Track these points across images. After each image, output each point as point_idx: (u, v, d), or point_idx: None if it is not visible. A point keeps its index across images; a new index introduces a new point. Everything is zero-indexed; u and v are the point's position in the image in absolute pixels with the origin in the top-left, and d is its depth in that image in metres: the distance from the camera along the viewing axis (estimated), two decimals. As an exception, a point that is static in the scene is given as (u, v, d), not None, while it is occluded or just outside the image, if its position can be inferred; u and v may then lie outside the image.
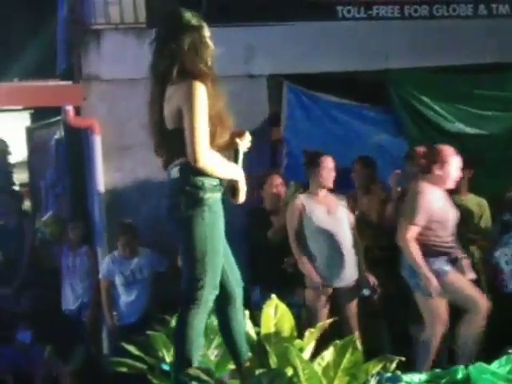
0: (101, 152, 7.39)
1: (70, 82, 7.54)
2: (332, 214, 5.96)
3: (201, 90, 3.58)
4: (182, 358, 3.57)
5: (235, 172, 3.76)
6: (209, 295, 3.60)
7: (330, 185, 6.04)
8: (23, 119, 9.01)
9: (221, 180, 3.71)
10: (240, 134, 3.86)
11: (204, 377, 3.29)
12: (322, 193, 6.03)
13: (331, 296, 5.88)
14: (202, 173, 3.60)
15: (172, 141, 3.68)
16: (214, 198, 3.65)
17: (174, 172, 3.67)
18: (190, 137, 3.55)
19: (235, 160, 3.81)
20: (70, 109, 7.39)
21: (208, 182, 3.62)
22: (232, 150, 3.81)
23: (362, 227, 6.21)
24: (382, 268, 6.28)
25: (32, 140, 8.98)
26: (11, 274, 7.96)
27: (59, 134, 8.13)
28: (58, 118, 7.89)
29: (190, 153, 3.55)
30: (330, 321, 3.14)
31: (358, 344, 2.86)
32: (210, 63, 3.73)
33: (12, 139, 9.20)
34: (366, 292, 5.96)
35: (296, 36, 7.64)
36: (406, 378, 4.11)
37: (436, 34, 7.75)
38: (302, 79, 7.60)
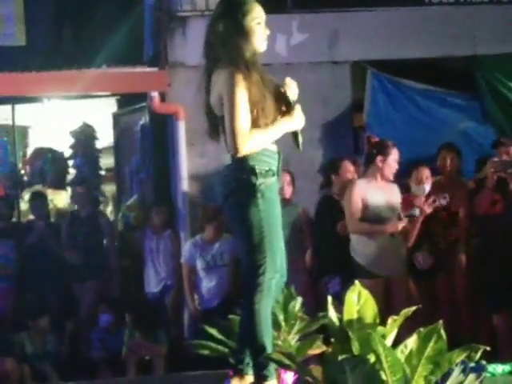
0: (185, 138, 7.49)
1: (155, 69, 7.66)
2: (390, 203, 5.89)
3: (236, 79, 3.51)
4: (256, 348, 3.58)
5: (283, 129, 3.65)
6: (271, 279, 3.59)
7: (392, 177, 5.94)
8: (110, 105, 9.17)
9: (278, 165, 3.67)
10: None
11: (286, 361, 3.30)
12: (383, 181, 5.94)
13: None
14: (253, 158, 3.56)
15: (223, 127, 3.64)
16: (266, 183, 3.59)
17: (227, 158, 3.64)
18: (228, 129, 3.53)
19: (287, 105, 3.71)
20: (155, 95, 7.52)
21: (260, 168, 3.58)
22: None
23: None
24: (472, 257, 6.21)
25: (118, 126, 9.13)
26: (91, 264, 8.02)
27: (144, 119, 8.26)
28: (144, 104, 8.01)
29: (229, 145, 3.54)
30: (414, 308, 3.12)
31: (443, 332, 2.83)
32: (252, 50, 3.62)
33: (99, 125, 9.39)
34: (414, 212, 5.83)
35: (381, 22, 7.57)
36: (490, 368, 4.06)
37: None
38: (386, 65, 7.53)
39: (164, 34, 7.58)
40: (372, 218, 5.82)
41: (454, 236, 6.28)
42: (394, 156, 5.89)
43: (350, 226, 5.88)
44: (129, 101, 8.57)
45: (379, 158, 5.86)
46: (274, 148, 3.69)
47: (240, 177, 3.59)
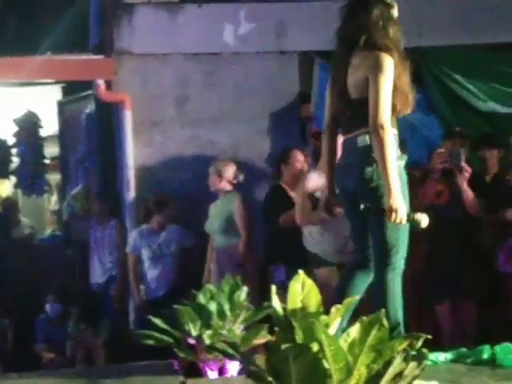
0: (131, 127, 7.42)
1: (101, 56, 7.56)
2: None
3: (388, 62, 3.73)
4: (391, 322, 3.67)
5: (394, 177, 3.69)
6: (402, 258, 3.80)
7: None
8: (55, 93, 9.04)
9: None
10: None
11: (230, 351, 3.30)
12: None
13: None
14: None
15: (356, 110, 3.81)
16: (399, 166, 3.78)
17: (362, 140, 3.78)
18: (373, 104, 3.69)
19: None
20: (101, 83, 7.42)
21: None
22: None
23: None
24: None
25: (63, 114, 8.99)
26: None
27: (90, 108, 8.15)
28: (90, 92, 7.91)
29: (371, 118, 3.68)
30: (357, 297, 3.13)
31: (385, 321, 2.85)
32: (396, 39, 3.88)
33: (43, 113, 9.25)
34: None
35: (329, 12, 7.55)
36: (432, 356, 4.11)
37: (470, 11, 7.64)
38: (333, 56, 7.55)
39: (110, 22, 7.48)
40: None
41: None
42: (300, 158, 5.90)
43: (302, 218, 5.85)
44: (74, 88, 8.45)
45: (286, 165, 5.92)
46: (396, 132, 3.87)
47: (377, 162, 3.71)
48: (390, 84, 3.70)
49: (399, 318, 3.78)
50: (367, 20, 3.82)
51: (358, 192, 3.84)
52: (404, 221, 3.72)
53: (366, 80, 3.74)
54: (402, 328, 3.77)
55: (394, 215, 3.66)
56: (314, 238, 5.83)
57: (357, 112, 3.81)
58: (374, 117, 3.67)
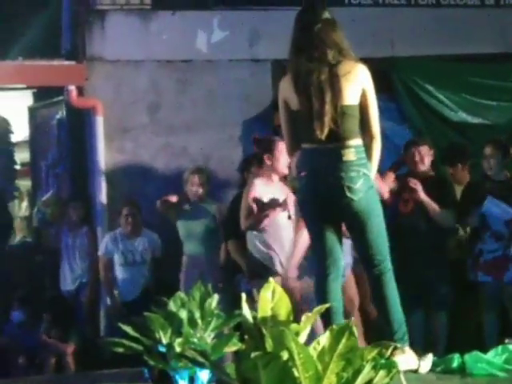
0: (103, 133, 7.39)
1: (73, 62, 7.53)
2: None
3: None
4: (394, 320, 4.01)
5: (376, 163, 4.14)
6: (388, 260, 4.07)
7: (286, 171, 5.75)
8: (26, 98, 8.99)
9: None
10: None
11: (200, 359, 3.28)
12: (276, 179, 5.79)
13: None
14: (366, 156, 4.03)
15: (345, 118, 3.98)
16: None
17: (347, 153, 3.96)
18: (374, 116, 4.09)
19: None
20: (72, 89, 7.39)
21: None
22: None
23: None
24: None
25: (34, 119, 8.95)
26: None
27: (61, 114, 8.11)
28: (61, 97, 7.87)
29: (373, 129, 4.07)
30: (326, 306, 3.14)
31: (355, 329, 2.85)
32: None
33: (14, 118, 9.19)
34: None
35: (301, 21, 7.60)
36: (402, 365, 4.12)
37: (442, 22, 7.72)
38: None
39: (82, 28, 7.46)
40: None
41: None
42: (280, 149, 5.63)
43: (243, 223, 5.73)
44: (45, 94, 8.42)
45: (266, 156, 5.71)
46: None
47: (365, 173, 3.97)
48: None
49: (402, 317, 4.04)
50: (339, 38, 4.17)
51: (341, 203, 3.96)
52: None
53: (360, 90, 4.02)
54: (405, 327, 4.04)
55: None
56: (259, 243, 5.73)
57: (345, 121, 3.97)
58: (375, 130, 4.08)
